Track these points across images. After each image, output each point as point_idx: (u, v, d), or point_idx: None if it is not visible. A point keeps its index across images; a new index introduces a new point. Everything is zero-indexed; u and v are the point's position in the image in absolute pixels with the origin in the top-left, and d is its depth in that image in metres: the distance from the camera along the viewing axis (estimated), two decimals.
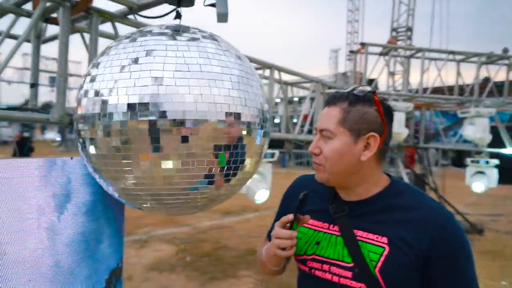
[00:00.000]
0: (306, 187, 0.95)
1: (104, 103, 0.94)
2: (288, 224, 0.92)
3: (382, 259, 0.87)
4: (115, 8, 1.97)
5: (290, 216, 0.92)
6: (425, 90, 5.88)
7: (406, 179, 6.11)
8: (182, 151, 1.01)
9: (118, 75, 0.95)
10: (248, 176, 1.21)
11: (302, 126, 4.07)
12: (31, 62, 2.03)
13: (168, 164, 1.00)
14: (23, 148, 9.71)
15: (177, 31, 1.07)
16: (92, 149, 0.99)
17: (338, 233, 0.94)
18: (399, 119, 4.78)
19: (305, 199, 0.91)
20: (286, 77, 3.69)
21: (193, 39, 1.07)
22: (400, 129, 4.82)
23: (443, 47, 7.74)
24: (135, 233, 5.46)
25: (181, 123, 0.98)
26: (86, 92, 0.98)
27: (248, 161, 1.14)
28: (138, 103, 0.95)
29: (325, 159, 0.93)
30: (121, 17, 1.93)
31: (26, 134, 13.08)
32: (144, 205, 1.10)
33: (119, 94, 0.94)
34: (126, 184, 1.02)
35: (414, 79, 6.50)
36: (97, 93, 0.95)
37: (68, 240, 2.15)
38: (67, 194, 2.15)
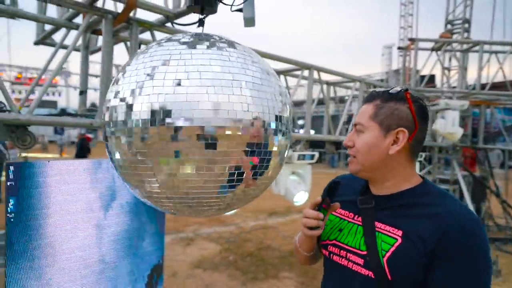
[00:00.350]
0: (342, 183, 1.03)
1: (128, 109, 0.98)
2: (317, 207, 1.01)
3: (392, 249, 0.89)
4: (154, 17, 2.07)
5: (319, 199, 1.01)
6: (484, 86, 5.43)
7: (462, 182, 5.70)
8: (203, 157, 1.03)
9: (141, 83, 1.00)
10: (269, 180, 1.21)
11: (347, 126, 3.98)
12: (80, 71, 2.18)
13: (188, 170, 1.03)
14: (82, 148, 10.47)
15: (196, 39, 1.10)
16: (117, 155, 1.04)
17: (361, 224, 1.00)
18: (452, 117, 4.47)
19: (335, 186, 1.00)
20: (329, 77, 3.62)
21: (212, 47, 1.10)
22: (453, 129, 4.50)
23: (506, 39, 7.08)
24: (183, 231, 5.67)
25: (200, 129, 1.01)
26: (110, 99, 1.04)
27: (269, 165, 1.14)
28: (160, 110, 0.98)
29: (356, 151, 0.99)
30: (159, 26, 2.01)
31: (88, 135, 14.10)
32: (169, 210, 1.14)
33: (142, 102, 0.98)
34: (150, 190, 1.06)
35: (472, 75, 6.04)
36: (122, 100, 1.00)
37: (113, 236, 2.31)
38: (112, 194, 2.31)
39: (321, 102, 4.07)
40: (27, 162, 1.93)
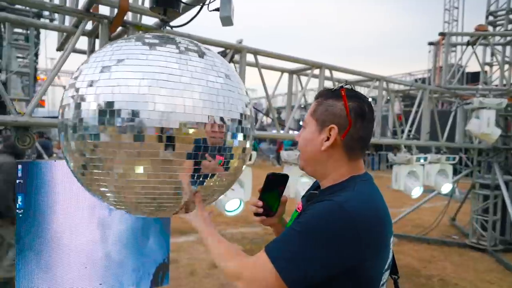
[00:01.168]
0: None
1: (77, 108, 1.00)
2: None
3: None
4: (152, 21, 2.11)
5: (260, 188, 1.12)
6: None
7: (504, 188, 5.26)
8: (155, 157, 1.03)
9: (89, 82, 1.01)
10: (231, 181, 1.19)
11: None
12: None
13: (141, 170, 1.03)
14: None
15: (158, 40, 1.10)
16: (68, 156, 1.07)
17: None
18: (487, 117, 4.13)
19: (267, 179, 1.09)
20: (348, 76, 3.48)
21: (176, 49, 1.10)
22: (489, 129, 4.17)
23: None
24: None
25: (158, 128, 1.01)
26: (63, 98, 1.07)
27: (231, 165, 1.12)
28: (109, 109, 0.99)
29: (299, 146, 1.04)
30: (156, 29, 2.04)
31: None
32: (127, 211, 1.15)
33: (91, 101, 0.99)
34: (105, 193, 1.07)
35: None
36: (72, 97, 1.02)
37: (117, 234, 2.38)
38: None
39: None
40: (35, 162, 2.05)
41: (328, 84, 2.95)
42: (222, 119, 1.08)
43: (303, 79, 3.26)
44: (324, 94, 1.01)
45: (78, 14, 1.85)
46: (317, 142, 0.97)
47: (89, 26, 2.29)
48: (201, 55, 1.15)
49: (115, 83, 1.03)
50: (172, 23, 2.03)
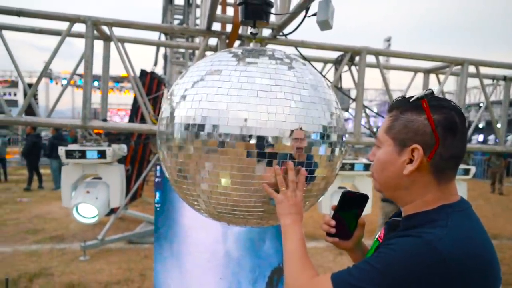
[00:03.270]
0: None
1: (171, 120, 1.10)
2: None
3: None
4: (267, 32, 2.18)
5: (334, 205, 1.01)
6: None
7: None
8: (241, 167, 1.05)
9: (181, 97, 1.10)
10: (319, 192, 1.13)
11: None
12: None
13: (227, 182, 1.07)
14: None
15: (250, 53, 1.14)
16: (162, 165, 1.18)
17: None
18: None
19: (343, 197, 0.97)
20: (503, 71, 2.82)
21: (266, 60, 1.11)
22: None
23: None
24: None
25: (242, 139, 1.03)
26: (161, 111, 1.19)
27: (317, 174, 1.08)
28: (197, 123, 1.06)
29: (373, 168, 0.91)
30: (270, 38, 2.10)
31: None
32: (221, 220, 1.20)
33: (181, 114, 1.08)
34: (198, 202, 1.15)
35: None
36: (166, 112, 1.14)
37: (237, 234, 2.54)
38: None
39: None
40: None
41: (473, 82, 2.46)
42: (303, 131, 1.04)
43: (441, 77, 2.81)
44: (400, 106, 0.84)
45: (201, 33, 2.07)
46: (396, 165, 0.82)
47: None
48: (290, 67, 1.13)
49: (203, 98, 1.10)
50: (285, 31, 2.06)
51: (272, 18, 1.98)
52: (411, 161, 0.80)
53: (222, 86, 1.08)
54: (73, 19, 1.89)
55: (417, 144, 0.79)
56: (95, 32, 2.02)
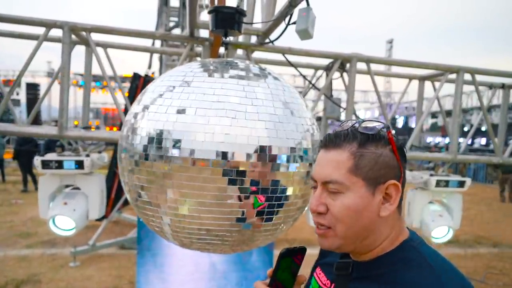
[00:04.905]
0: None
1: (133, 133, 1.03)
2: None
3: None
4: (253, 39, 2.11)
5: (269, 270, 0.79)
6: None
7: None
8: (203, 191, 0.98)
9: (144, 107, 1.03)
10: (297, 211, 1.07)
11: None
12: None
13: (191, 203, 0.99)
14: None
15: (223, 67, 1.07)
16: (122, 181, 1.11)
17: None
18: None
19: (281, 257, 0.77)
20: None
21: (237, 76, 1.05)
22: None
23: None
24: None
25: (207, 155, 0.97)
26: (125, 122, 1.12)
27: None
28: (157, 137, 0.98)
29: (335, 220, 0.72)
30: (256, 45, 2.03)
31: None
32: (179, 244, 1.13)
33: (143, 126, 1.01)
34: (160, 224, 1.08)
35: None
36: (129, 122, 1.07)
37: None
38: None
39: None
40: None
41: (469, 89, 2.37)
42: (267, 150, 0.96)
43: (436, 84, 2.73)
44: (356, 139, 0.71)
45: (184, 40, 1.99)
46: (371, 209, 0.71)
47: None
48: (261, 82, 1.06)
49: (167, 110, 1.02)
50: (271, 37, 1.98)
51: (258, 25, 1.91)
52: (386, 200, 0.71)
53: (189, 98, 1.02)
54: (49, 25, 1.82)
55: (391, 179, 0.71)
56: (75, 37, 1.95)
